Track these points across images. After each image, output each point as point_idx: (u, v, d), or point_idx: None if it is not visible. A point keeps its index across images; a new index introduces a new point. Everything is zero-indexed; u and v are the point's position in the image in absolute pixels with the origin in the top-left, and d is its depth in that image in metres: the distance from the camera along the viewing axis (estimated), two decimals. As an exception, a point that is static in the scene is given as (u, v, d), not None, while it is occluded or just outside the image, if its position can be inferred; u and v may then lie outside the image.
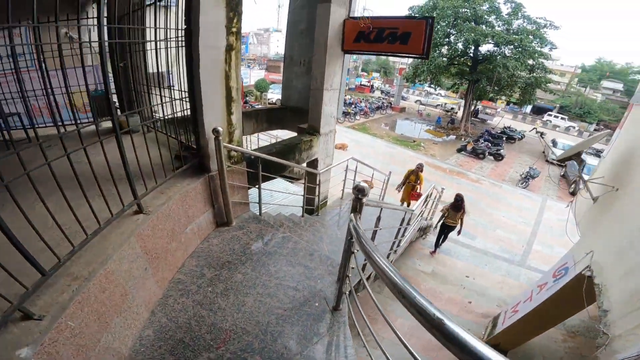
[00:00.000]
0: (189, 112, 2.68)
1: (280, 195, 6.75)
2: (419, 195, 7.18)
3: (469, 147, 17.36)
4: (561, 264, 4.41)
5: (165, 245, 2.33)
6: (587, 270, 3.49)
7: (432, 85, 27.99)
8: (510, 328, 4.67)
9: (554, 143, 19.91)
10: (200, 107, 2.58)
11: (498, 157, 17.31)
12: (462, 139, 20.58)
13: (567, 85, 35.29)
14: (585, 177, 13.40)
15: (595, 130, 31.80)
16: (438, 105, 31.67)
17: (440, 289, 5.97)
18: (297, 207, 5.10)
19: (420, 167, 7.39)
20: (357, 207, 1.91)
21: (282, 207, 5.64)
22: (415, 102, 33.26)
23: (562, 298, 3.99)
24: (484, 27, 19.49)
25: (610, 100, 36.05)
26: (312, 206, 5.18)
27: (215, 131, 2.55)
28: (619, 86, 38.05)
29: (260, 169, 3.33)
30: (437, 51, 21.28)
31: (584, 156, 15.35)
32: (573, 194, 13.93)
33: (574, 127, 31.38)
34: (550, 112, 34.01)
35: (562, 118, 32.38)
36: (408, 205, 7.64)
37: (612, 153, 4.15)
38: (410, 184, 7.46)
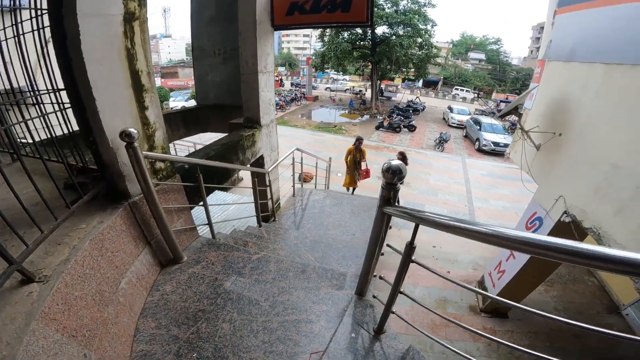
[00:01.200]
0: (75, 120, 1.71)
1: (219, 209, 5.75)
2: (368, 171, 6.89)
3: (386, 123, 18.25)
4: (529, 214, 4.47)
5: (98, 314, 1.46)
6: (565, 217, 3.53)
7: (337, 72, 28.90)
8: (506, 289, 4.67)
9: (451, 109, 22.42)
10: (91, 105, 1.64)
11: (411, 128, 18.61)
12: (377, 117, 21.71)
13: (445, 59, 40.32)
14: (483, 135, 14.99)
15: (474, 94, 37.71)
16: (347, 89, 32.86)
17: (415, 266, 5.80)
18: (248, 217, 4.27)
19: (360, 140, 6.86)
20: (390, 196, 1.35)
21: (230, 223, 4.72)
22: (326, 89, 33.92)
23: None
24: (376, 9, 20.52)
25: (479, 69, 43.03)
26: (266, 212, 4.41)
27: (125, 136, 1.66)
28: (482, 56, 45.68)
29: (202, 180, 2.47)
30: (340, 36, 22.20)
31: (478, 117, 17.40)
32: (479, 150, 15.84)
33: (477, 95, 36.53)
34: (457, 87, 38.86)
35: (467, 90, 37.62)
36: (354, 189, 7.44)
37: (537, 105, 4.33)
38: (356, 163, 6.93)
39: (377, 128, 18.38)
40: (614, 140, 2.99)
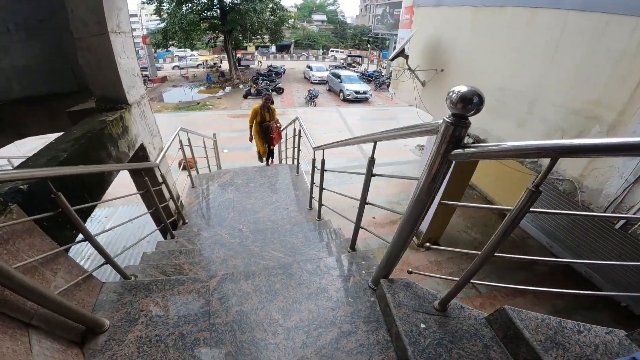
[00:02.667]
0: None
1: (109, 237, 4.22)
2: (279, 133, 5.92)
3: (253, 90, 17.40)
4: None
5: None
6: (468, 139, 4.10)
7: (185, 47, 25.39)
8: (436, 220, 5.18)
9: (310, 68, 23.11)
10: None
11: (279, 90, 18.35)
12: (239, 87, 20.58)
13: (294, 22, 41.02)
14: (345, 86, 16.10)
15: (323, 54, 40.32)
16: (199, 64, 29.46)
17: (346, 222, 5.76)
18: (151, 234, 3.12)
19: (268, 97, 5.55)
20: (461, 134, 0.91)
21: (130, 249, 3.46)
22: (173, 68, 29.45)
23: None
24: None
25: (323, 29, 45.69)
26: (170, 217, 3.36)
27: None
28: (323, 17, 48.54)
29: (65, 200, 1.45)
30: (184, 7, 19.46)
31: (339, 71, 18.47)
32: (344, 100, 17.02)
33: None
34: (333, 49, 39.95)
35: (341, 51, 38.86)
36: (268, 155, 6.33)
37: (414, 48, 4.64)
38: (265, 124, 5.68)
39: (245, 97, 17.39)
40: (495, 68, 3.38)
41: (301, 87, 20.66)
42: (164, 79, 24.36)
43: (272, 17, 22.15)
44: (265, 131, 5.73)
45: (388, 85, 20.56)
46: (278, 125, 5.85)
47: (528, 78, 3.07)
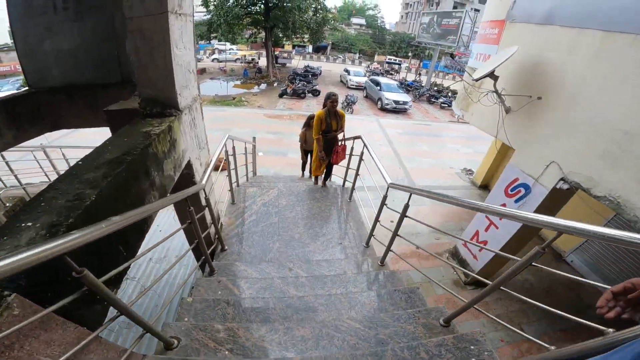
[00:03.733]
0: None
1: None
2: (344, 148, 4.44)
3: (289, 90, 16.85)
4: (509, 181, 4.11)
5: None
6: (563, 184, 3.32)
7: (226, 41, 25.33)
8: (492, 261, 4.40)
9: (348, 72, 22.34)
10: None
11: (315, 92, 17.75)
12: (274, 85, 20.15)
13: (335, 23, 40.94)
14: (384, 95, 15.21)
15: (359, 58, 39.45)
16: (237, 59, 29.43)
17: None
18: (187, 279, 2.52)
19: (334, 101, 3.93)
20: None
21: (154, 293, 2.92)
22: (213, 60, 29.53)
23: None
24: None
25: (362, 33, 44.88)
26: (210, 244, 2.73)
27: None
28: (362, 21, 47.77)
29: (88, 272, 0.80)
30: (231, 0, 19.41)
31: (378, 78, 17.72)
32: (382, 109, 16.16)
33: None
34: (391, 57, 37.52)
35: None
36: (326, 174, 4.80)
37: (503, 67, 3.72)
38: (331, 134, 4.13)
39: (281, 96, 16.83)
40: (621, 106, 2.77)
41: (337, 91, 19.92)
42: (203, 71, 24.36)
43: (315, 17, 21.52)
44: (329, 143, 4.24)
45: (429, 97, 19.58)
46: (344, 141, 4.44)
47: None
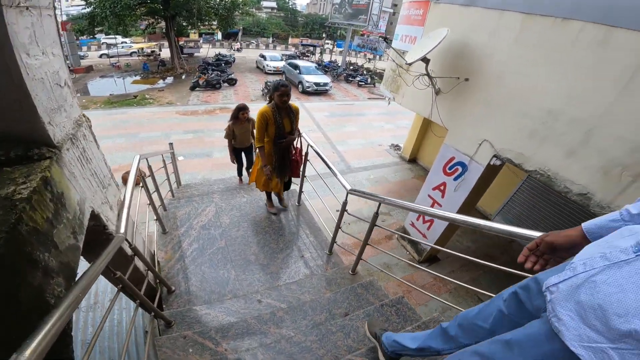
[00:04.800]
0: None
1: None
2: (301, 153, 3.40)
3: (202, 81, 15.19)
4: (445, 160, 4.26)
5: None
6: (495, 160, 3.49)
7: (116, 34, 21.43)
8: (441, 237, 4.50)
9: (264, 57, 21.27)
10: None
11: (232, 81, 16.44)
12: (182, 77, 18.18)
13: (247, 7, 38.58)
14: (304, 78, 14.98)
15: (273, 42, 38.05)
16: (134, 52, 25.40)
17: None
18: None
19: (283, 90, 2.77)
20: None
21: None
22: (101, 56, 24.86)
23: (475, 191, 3.95)
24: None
25: (273, 16, 43.14)
26: (153, 292, 2.10)
27: None
28: (273, 4, 45.84)
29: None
30: None
31: (297, 61, 17.20)
32: (303, 92, 15.84)
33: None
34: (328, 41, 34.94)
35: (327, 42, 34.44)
36: (285, 187, 3.78)
37: (425, 49, 3.69)
38: (284, 140, 3.03)
39: (193, 89, 15.11)
40: (546, 87, 2.88)
41: (255, 78, 18.88)
42: (89, 69, 20.36)
43: (223, 2, 19.65)
44: (283, 152, 3.12)
45: (346, 77, 19.84)
46: (300, 145, 3.39)
47: (590, 104, 2.56)
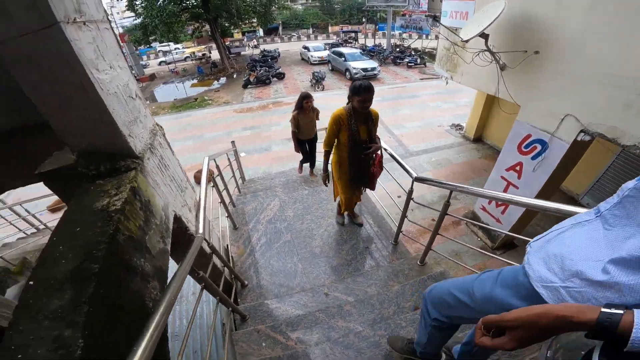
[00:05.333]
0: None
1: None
2: (381, 163, 2.73)
3: (252, 78, 15.66)
4: (520, 138, 3.78)
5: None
6: (584, 136, 3.05)
7: (167, 41, 23.18)
8: (518, 222, 4.06)
9: (308, 48, 21.19)
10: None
11: (280, 76, 16.67)
12: (234, 76, 18.84)
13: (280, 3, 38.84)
14: (351, 65, 14.38)
15: (313, 32, 37.73)
16: (187, 57, 27.29)
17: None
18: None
19: (365, 97, 2.23)
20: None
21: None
22: (160, 64, 27.21)
23: (560, 170, 3.45)
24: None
25: (310, 7, 42.76)
26: (229, 288, 2.21)
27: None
28: None
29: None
30: None
31: (341, 49, 16.76)
32: (351, 79, 15.41)
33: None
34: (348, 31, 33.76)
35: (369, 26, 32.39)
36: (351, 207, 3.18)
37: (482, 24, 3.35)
38: (368, 151, 2.51)
39: (245, 86, 15.64)
40: (635, 55, 2.44)
41: (302, 70, 18.92)
42: (152, 77, 22.40)
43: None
44: (361, 162, 2.58)
45: (394, 59, 18.83)
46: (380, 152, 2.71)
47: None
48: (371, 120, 2.47)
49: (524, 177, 3.91)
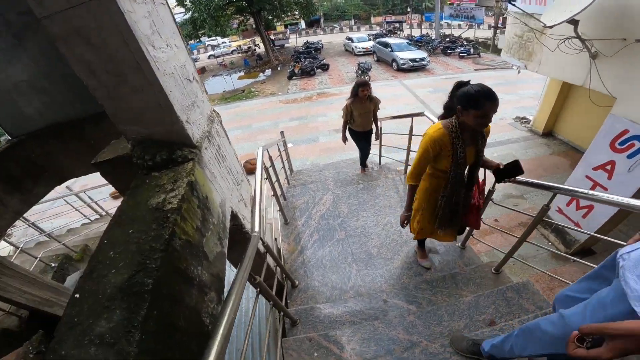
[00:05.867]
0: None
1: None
2: (483, 191, 2.06)
3: (297, 70, 15.56)
4: (615, 134, 3.25)
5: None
6: None
7: (215, 35, 24.00)
8: (604, 226, 3.54)
9: (351, 39, 20.62)
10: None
11: (325, 67, 16.38)
12: (278, 68, 18.90)
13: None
14: (398, 55, 13.63)
15: (355, 24, 36.77)
16: (234, 50, 28.09)
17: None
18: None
19: (486, 109, 1.49)
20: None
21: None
22: (209, 57, 28.32)
23: None
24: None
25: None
26: (280, 288, 2.06)
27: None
28: None
29: None
30: None
31: (387, 39, 15.96)
32: (399, 70, 14.64)
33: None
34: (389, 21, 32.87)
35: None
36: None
37: (573, 9, 2.95)
38: (473, 179, 1.88)
39: (290, 78, 15.62)
40: None
41: (346, 61, 18.42)
42: (203, 70, 23.43)
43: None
44: (459, 193, 1.87)
45: (443, 49, 17.49)
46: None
47: None
48: (482, 137, 1.72)
49: (616, 177, 3.37)
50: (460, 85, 1.58)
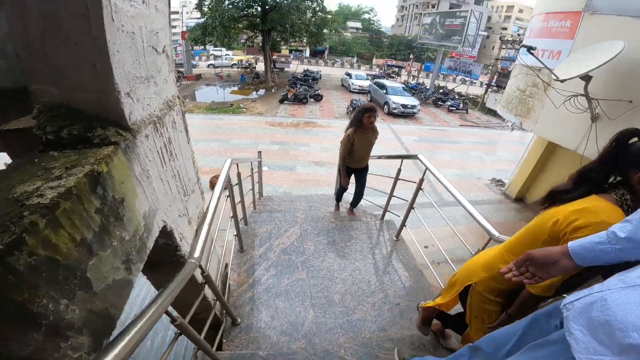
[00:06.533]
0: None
1: None
2: None
3: (290, 95, 15.67)
4: None
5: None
6: None
7: (222, 45, 24.32)
8: None
9: (350, 75, 21.39)
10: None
11: (318, 97, 16.62)
12: (272, 91, 18.99)
13: (336, 25, 40.41)
14: (391, 99, 14.11)
15: (357, 62, 38.78)
16: (234, 64, 28.33)
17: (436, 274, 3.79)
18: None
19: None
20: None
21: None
22: (208, 66, 28.34)
23: None
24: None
25: (358, 37, 44.23)
26: (217, 323, 1.63)
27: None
28: (359, 24, 47.34)
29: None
30: (227, 1, 18.21)
31: (384, 81, 16.65)
32: (389, 113, 15.12)
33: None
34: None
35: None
36: None
37: (589, 65, 2.91)
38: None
39: (282, 102, 15.65)
40: None
41: (340, 96, 18.89)
42: (198, 77, 23.23)
43: (314, 19, 20.39)
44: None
45: (435, 100, 18.50)
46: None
47: None
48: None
49: None
50: (629, 134, 1.03)
